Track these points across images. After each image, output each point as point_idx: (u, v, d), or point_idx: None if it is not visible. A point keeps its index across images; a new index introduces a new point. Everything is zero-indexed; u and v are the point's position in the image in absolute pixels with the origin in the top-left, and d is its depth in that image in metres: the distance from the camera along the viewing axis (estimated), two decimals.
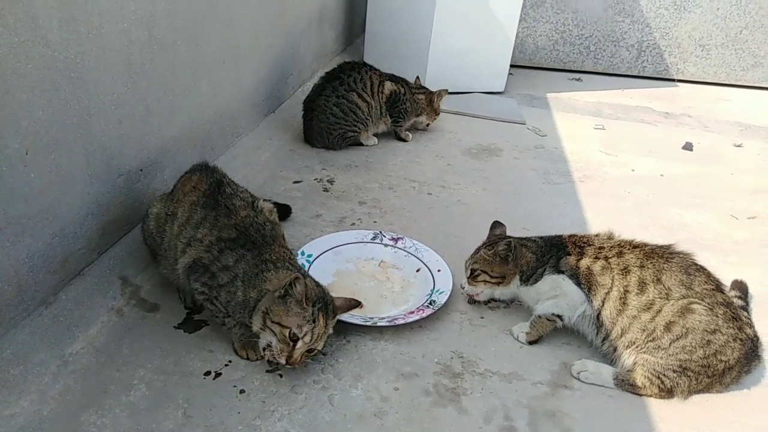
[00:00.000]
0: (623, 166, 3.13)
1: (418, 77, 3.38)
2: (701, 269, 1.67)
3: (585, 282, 1.70)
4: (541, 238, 1.87)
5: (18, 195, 1.46)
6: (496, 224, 1.98)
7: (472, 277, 1.86)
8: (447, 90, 3.27)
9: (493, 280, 1.84)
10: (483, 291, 1.87)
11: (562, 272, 1.73)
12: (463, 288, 1.92)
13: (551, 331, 1.79)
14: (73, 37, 1.55)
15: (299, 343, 1.50)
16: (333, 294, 1.65)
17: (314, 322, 1.50)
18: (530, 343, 1.79)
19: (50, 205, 1.58)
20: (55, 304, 1.63)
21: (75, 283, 1.71)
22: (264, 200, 1.84)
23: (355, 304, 1.67)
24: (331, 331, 1.60)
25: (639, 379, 1.62)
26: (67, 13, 1.52)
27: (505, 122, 3.63)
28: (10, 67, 1.36)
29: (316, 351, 1.57)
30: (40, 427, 1.38)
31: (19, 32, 1.37)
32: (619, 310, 1.65)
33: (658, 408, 1.60)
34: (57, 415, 1.42)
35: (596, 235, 1.81)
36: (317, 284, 1.61)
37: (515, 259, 1.80)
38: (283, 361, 1.51)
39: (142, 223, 1.85)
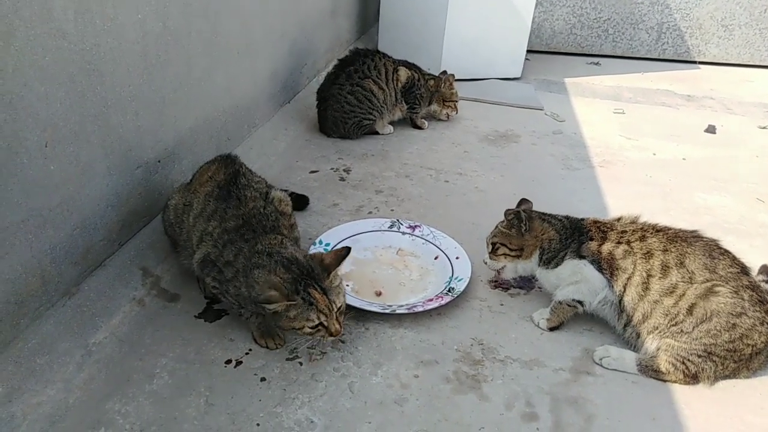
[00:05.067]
0: (644, 150, 3.08)
1: (445, 71, 3.26)
2: (725, 253, 1.63)
3: (606, 267, 1.67)
4: (567, 218, 1.84)
5: (39, 187, 1.47)
6: (522, 201, 1.95)
7: (493, 251, 1.85)
8: (453, 75, 3.22)
9: (513, 253, 1.81)
10: (506, 266, 1.84)
11: (584, 257, 1.71)
12: (486, 263, 1.90)
13: (572, 317, 1.77)
14: (88, 28, 1.56)
15: (324, 323, 1.50)
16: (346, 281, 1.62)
17: (312, 304, 1.48)
18: (551, 329, 1.77)
19: (70, 197, 1.59)
20: (78, 294, 1.65)
21: (97, 274, 1.73)
22: (281, 190, 1.84)
23: (345, 252, 1.58)
24: (337, 282, 1.56)
25: (663, 364, 1.59)
26: (82, 4, 1.52)
27: (523, 108, 3.58)
28: (28, 60, 1.37)
29: (342, 307, 1.56)
30: (66, 414, 1.41)
31: (35, 25, 1.38)
32: (641, 294, 1.62)
33: (683, 394, 1.58)
34: (82, 404, 1.44)
35: (618, 219, 1.78)
36: (288, 264, 1.51)
37: (529, 229, 1.78)
38: (330, 340, 1.55)
39: (162, 213, 1.86)
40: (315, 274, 1.51)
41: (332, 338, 1.54)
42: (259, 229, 1.63)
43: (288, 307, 1.47)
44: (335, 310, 1.52)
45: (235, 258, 1.59)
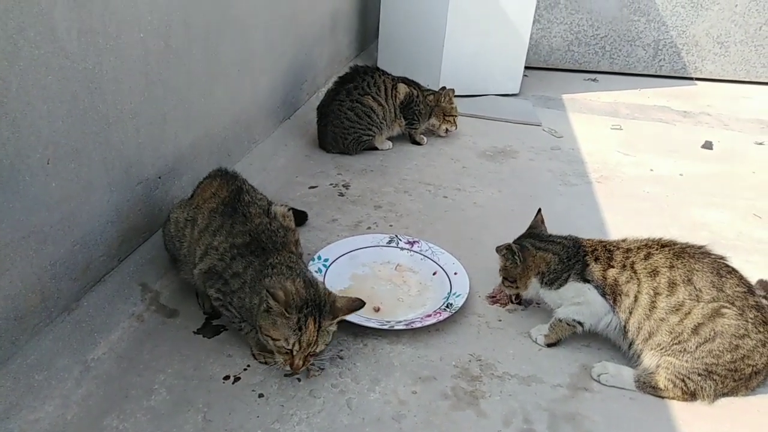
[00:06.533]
0: (641, 166, 3.09)
1: (444, 87, 3.29)
2: (733, 271, 1.62)
3: (610, 293, 1.66)
4: (569, 238, 1.83)
5: (40, 204, 1.49)
6: (539, 211, 1.96)
7: (503, 283, 1.88)
8: (453, 89, 3.24)
9: (514, 285, 1.84)
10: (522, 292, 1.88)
11: (588, 281, 1.70)
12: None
13: (570, 334, 1.77)
14: (91, 47, 1.58)
15: (293, 352, 1.48)
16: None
17: (301, 329, 1.46)
18: (549, 345, 1.78)
19: (71, 213, 1.61)
20: (77, 310, 1.66)
21: (96, 289, 1.74)
22: (280, 205, 1.85)
23: (359, 304, 1.56)
24: (333, 329, 1.55)
25: (661, 381, 1.59)
26: (85, 24, 1.55)
27: (521, 124, 3.61)
28: (32, 79, 1.40)
29: (318, 353, 1.54)
30: (65, 431, 1.40)
31: (39, 45, 1.40)
32: (648, 314, 1.61)
33: (681, 410, 1.58)
34: (80, 420, 1.44)
35: (624, 240, 1.77)
36: (309, 285, 1.53)
37: (523, 261, 1.80)
38: (288, 369, 1.51)
39: (163, 227, 1.88)
40: (323, 310, 1.51)
41: (288, 369, 1.51)
42: (269, 245, 1.64)
43: (281, 314, 1.45)
44: (312, 350, 1.50)
45: (244, 270, 1.60)
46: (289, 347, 1.47)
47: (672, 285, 1.60)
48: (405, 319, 1.85)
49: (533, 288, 1.82)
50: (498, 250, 1.85)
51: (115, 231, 1.81)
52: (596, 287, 1.68)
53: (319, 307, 1.50)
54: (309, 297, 1.50)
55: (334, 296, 1.57)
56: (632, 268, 1.66)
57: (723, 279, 1.59)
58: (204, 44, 2.18)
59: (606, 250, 1.73)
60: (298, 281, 1.53)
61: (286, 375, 1.62)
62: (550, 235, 1.87)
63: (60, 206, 1.56)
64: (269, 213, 1.76)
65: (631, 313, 1.64)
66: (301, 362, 1.49)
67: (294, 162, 2.91)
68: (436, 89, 3.28)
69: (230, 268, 1.62)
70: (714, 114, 3.92)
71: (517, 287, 1.85)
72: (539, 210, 1.96)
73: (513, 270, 1.82)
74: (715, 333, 1.53)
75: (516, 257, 1.80)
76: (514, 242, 1.85)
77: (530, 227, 1.93)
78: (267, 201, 1.84)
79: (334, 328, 1.56)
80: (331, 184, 2.73)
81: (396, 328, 1.78)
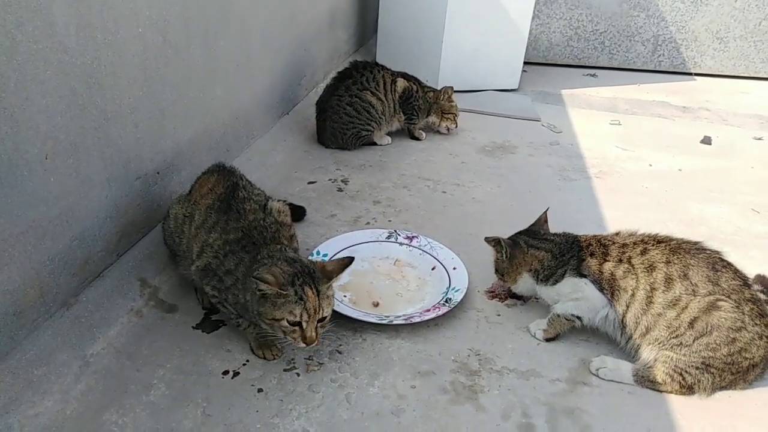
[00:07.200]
0: (640, 161, 3.10)
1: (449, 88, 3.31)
2: (728, 265, 1.63)
3: (607, 287, 1.67)
4: (562, 235, 1.84)
5: (38, 199, 1.49)
6: (546, 210, 1.97)
7: (498, 277, 1.90)
8: (452, 87, 3.24)
9: (503, 278, 1.85)
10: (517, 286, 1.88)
11: (584, 276, 1.70)
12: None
13: (569, 328, 1.78)
14: (89, 42, 1.58)
15: (303, 324, 1.49)
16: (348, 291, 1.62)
17: (302, 299, 1.47)
18: (547, 340, 1.78)
19: (69, 208, 1.61)
20: (76, 305, 1.66)
21: (95, 285, 1.74)
22: (278, 200, 1.85)
23: (349, 261, 1.59)
24: (331, 293, 1.56)
25: (659, 375, 1.60)
26: (83, 19, 1.54)
27: (520, 119, 3.61)
28: (30, 74, 1.39)
29: (326, 319, 1.54)
30: (64, 426, 1.41)
31: (38, 39, 1.40)
32: (645, 309, 1.61)
33: (679, 404, 1.58)
34: (79, 415, 1.44)
35: (617, 233, 1.78)
36: (291, 261, 1.53)
37: (510, 257, 1.81)
38: (302, 345, 1.50)
39: (163, 222, 1.88)
40: (315, 276, 1.52)
41: (303, 345, 1.50)
42: (260, 240, 1.65)
43: (277, 294, 1.46)
44: (319, 316, 1.51)
45: (236, 267, 1.61)
46: (297, 319, 1.47)
47: (668, 280, 1.60)
48: (404, 313, 1.85)
49: (524, 284, 1.83)
50: (487, 240, 1.87)
51: (113, 226, 1.81)
52: (593, 282, 1.69)
53: (310, 275, 1.51)
54: (296, 270, 1.50)
55: (321, 263, 1.58)
56: (629, 261, 1.66)
57: (718, 273, 1.59)
58: (203, 40, 2.17)
59: (601, 245, 1.73)
60: (280, 263, 1.53)
61: (285, 370, 1.62)
62: (546, 234, 1.88)
63: (58, 201, 1.56)
64: (265, 208, 1.76)
65: (628, 307, 1.64)
66: (313, 333, 1.49)
67: (293, 157, 2.91)
68: (438, 88, 3.27)
69: (223, 266, 1.62)
70: (713, 109, 3.92)
71: (505, 281, 1.87)
72: (547, 209, 1.95)
73: (501, 264, 1.84)
74: (711, 326, 1.54)
75: (503, 251, 1.81)
76: (510, 238, 1.86)
77: (531, 225, 1.93)
78: (264, 196, 1.84)
79: (331, 291, 1.57)
80: (330, 180, 2.73)
81: (395, 322, 1.79)
